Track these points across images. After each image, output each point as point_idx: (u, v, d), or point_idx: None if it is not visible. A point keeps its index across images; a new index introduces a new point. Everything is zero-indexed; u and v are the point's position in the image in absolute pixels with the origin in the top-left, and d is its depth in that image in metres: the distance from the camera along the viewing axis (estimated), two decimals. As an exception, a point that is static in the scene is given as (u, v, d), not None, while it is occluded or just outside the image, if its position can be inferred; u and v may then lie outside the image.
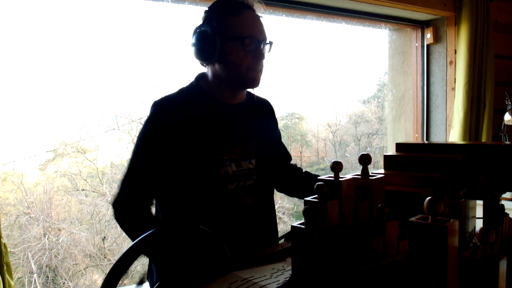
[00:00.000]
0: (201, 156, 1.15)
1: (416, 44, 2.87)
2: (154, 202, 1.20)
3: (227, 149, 1.19)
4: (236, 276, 0.72)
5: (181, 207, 1.17)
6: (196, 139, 1.14)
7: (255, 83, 1.19)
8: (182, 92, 1.23)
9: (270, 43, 1.19)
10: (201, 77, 1.25)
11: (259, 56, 1.16)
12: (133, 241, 1.07)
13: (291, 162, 1.47)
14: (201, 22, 1.18)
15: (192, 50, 1.19)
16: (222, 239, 0.99)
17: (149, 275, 1.27)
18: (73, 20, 3.43)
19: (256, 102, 1.32)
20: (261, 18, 1.19)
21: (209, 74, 1.22)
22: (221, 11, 1.14)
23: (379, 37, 4.11)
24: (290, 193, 1.45)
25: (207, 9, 1.18)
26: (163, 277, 1.16)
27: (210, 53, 1.14)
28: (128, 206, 1.13)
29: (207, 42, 1.13)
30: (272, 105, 1.42)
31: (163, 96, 1.21)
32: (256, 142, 1.26)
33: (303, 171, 1.44)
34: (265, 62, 1.21)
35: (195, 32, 1.17)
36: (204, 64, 1.21)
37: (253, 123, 1.27)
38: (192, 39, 1.18)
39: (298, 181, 1.41)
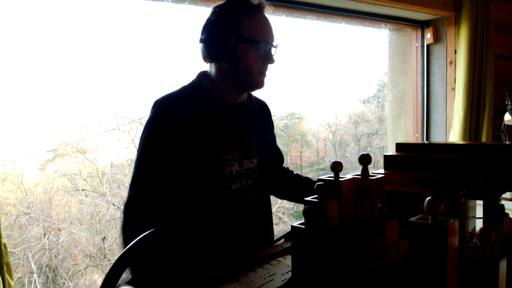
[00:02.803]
0: (207, 156, 1.13)
1: (416, 44, 2.87)
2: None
3: (231, 148, 1.19)
4: None
5: (186, 208, 1.15)
6: (201, 138, 1.13)
7: (261, 85, 1.20)
8: (184, 90, 1.20)
9: (276, 46, 1.20)
10: (203, 75, 1.23)
11: (270, 60, 1.17)
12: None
13: (283, 165, 1.47)
14: (212, 18, 1.15)
15: (201, 46, 1.16)
16: (226, 239, 0.98)
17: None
18: (73, 20, 3.43)
19: (256, 102, 1.32)
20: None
21: (214, 72, 1.19)
22: (235, 10, 1.13)
23: (379, 37, 4.11)
24: (279, 195, 1.45)
25: (217, 5, 1.15)
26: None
27: (223, 52, 1.12)
28: (141, 211, 1.08)
29: (221, 40, 1.12)
30: (270, 106, 1.42)
31: (164, 95, 1.19)
32: (257, 141, 1.26)
33: (294, 173, 1.44)
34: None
35: (206, 28, 1.15)
36: (208, 61, 1.19)
37: (254, 123, 1.28)
38: (202, 35, 1.16)
39: (288, 184, 1.41)
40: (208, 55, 1.16)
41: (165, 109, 1.14)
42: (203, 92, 1.19)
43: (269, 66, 1.20)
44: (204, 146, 1.13)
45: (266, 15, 1.19)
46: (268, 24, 1.18)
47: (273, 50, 1.19)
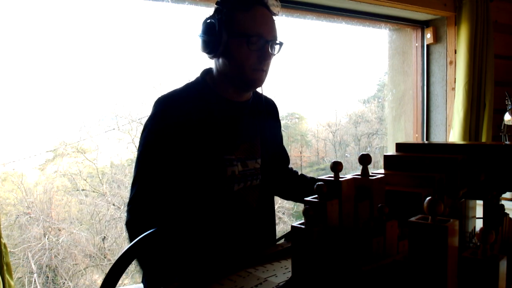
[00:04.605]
0: (208, 155, 1.12)
1: (416, 44, 2.87)
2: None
3: (234, 148, 1.17)
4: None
5: (187, 207, 1.14)
6: (202, 138, 1.12)
7: (257, 83, 1.16)
8: (187, 87, 1.19)
9: (280, 43, 1.15)
10: (207, 72, 1.22)
11: (265, 56, 1.11)
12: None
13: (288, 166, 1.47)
14: (211, 13, 1.15)
15: (198, 41, 1.15)
16: (225, 240, 0.98)
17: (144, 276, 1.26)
18: (73, 20, 3.43)
19: (264, 101, 1.30)
20: (274, 17, 1.15)
21: (214, 69, 1.19)
22: (231, 4, 1.11)
23: (379, 37, 4.11)
24: (284, 196, 1.44)
25: (218, 1, 1.14)
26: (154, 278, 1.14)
27: (215, 46, 1.10)
28: (144, 209, 1.09)
29: (213, 34, 1.10)
30: (277, 106, 1.41)
31: (168, 92, 1.17)
32: (262, 141, 1.24)
33: (299, 174, 1.43)
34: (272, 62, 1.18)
35: (204, 22, 1.14)
36: (210, 57, 1.17)
37: (259, 123, 1.26)
38: (199, 30, 1.15)
39: (293, 185, 1.40)
40: (202, 50, 1.15)
41: (167, 107, 1.13)
42: (206, 90, 1.18)
43: (270, 64, 1.16)
44: (206, 145, 1.12)
45: (274, 12, 1.15)
46: (266, 19, 1.13)
47: (276, 48, 1.15)
